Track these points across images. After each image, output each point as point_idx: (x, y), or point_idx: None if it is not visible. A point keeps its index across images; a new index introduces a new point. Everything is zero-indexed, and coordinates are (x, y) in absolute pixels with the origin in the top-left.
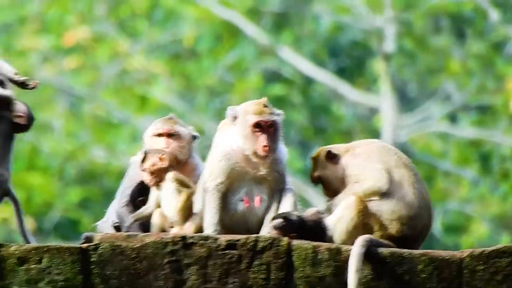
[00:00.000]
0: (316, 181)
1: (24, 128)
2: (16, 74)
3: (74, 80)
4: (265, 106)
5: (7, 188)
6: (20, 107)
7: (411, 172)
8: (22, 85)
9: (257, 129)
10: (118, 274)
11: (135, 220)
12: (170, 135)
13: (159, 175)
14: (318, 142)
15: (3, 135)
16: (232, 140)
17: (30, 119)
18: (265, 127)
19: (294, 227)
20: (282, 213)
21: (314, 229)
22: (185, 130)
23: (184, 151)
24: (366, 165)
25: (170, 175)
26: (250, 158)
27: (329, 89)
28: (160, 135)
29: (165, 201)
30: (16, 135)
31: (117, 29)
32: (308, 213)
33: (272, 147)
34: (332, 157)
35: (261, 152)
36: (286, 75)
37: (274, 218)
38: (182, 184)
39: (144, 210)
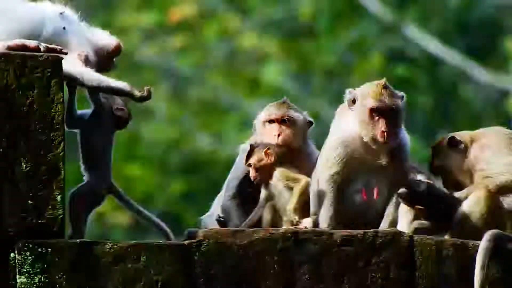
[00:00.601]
0: (437, 171)
1: (125, 122)
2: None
3: (179, 60)
4: (385, 88)
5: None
6: (118, 100)
7: None
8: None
9: (376, 114)
10: (223, 274)
11: (247, 227)
12: (283, 121)
13: (265, 172)
14: (445, 128)
15: (106, 130)
16: (350, 126)
17: (130, 113)
18: (385, 112)
19: (420, 197)
20: (409, 180)
21: (443, 207)
22: (300, 115)
23: (298, 139)
24: (497, 158)
25: (277, 173)
26: (369, 146)
27: (458, 70)
28: (272, 121)
29: (277, 201)
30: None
31: (227, 5)
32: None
33: (392, 133)
34: (456, 145)
35: (380, 138)
36: (411, 55)
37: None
38: (291, 179)
39: (254, 215)
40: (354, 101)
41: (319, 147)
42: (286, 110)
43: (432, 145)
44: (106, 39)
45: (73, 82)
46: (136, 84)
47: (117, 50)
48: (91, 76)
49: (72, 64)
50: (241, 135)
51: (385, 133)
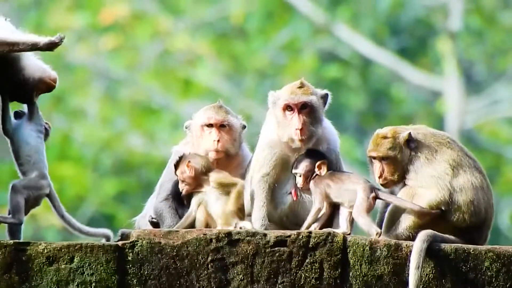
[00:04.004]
0: (381, 160)
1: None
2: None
3: (111, 61)
4: (300, 86)
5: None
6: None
7: (466, 160)
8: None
9: (288, 112)
10: (156, 274)
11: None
12: (222, 126)
13: (190, 183)
14: (377, 128)
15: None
16: (274, 127)
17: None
18: (297, 109)
19: None
20: None
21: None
22: (237, 120)
23: (236, 144)
24: (431, 169)
25: (212, 178)
26: (291, 146)
27: (389, 71)
28: (210, 125)
29: (212, 207)
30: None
31: (158, 6)
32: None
33: (307, 129)
34: (411, 142)
35: (294, 136)
36: (342, 55)
37: None
38: (226, 185)
39: (185, 220)
40: (275, 103)
41: (252, 148)
42: (225, 115)
43: (384, 134)
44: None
45: None
46: (68, 86)
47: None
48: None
49: None
50: (174, 136)
51: (299, 130)
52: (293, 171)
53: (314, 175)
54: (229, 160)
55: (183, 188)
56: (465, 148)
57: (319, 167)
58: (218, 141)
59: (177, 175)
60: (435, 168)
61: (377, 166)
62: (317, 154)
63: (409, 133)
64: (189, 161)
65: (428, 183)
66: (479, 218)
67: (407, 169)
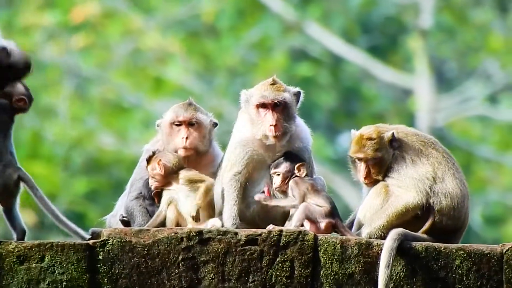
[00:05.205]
0: (366, 161)
1: (24, 110)
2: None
3: (82, 60)
4: (273, 83)
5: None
6: (19, 89)
7: (450, 162)
8: None
9: (262, 110)
10: (127, 273)
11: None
12: (191, 123)
13: (160, 180)
14: (348, 126)
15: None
16: (246, 126)
17: (30, 100)
18: (271, 106)
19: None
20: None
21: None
22: (206, 118)
23: (205, 142)
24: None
25: (181, 176)
26: (264, 144)
27: (360, 69)
28: (179, 123)
29: (182, 205)
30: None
31: (129, 4)
32: None
33: (281, 126)
34: (394, 141)
35: (268, 132)
36: (313, 53)
37: None
38: (195, 181)
39: (156, 218)
40: (248, 102)
41: (223, 147)
42: (194, 112)
43: (369, 135)
44: None
45: None
46: (39, 85)
47: None
48: None
49: None
50: (145, 135)
51: (273, 127)
52: (273, 170)
53: (293, 176)
54: (200, 158)
55: (152, 184)
56: (446, 149)
57: (299, 169)
58: (187, 138)
59: (148, 171)
60: (418, 170)
61: (362, 167)
62: (296, 156)
63: (393, 133)
64: (160, 159)
65: (408, 185)
66: (457, 222)
67: (390, 168)
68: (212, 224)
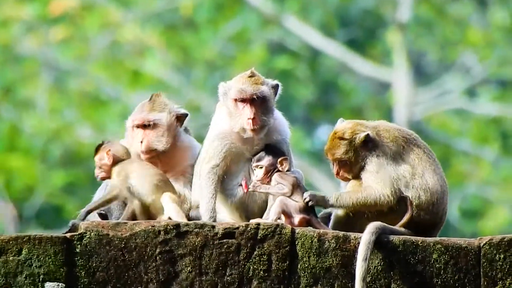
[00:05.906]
0: (335, 161)
1: None
2: None
3: (60, 52)
4: (250, 76)
5: None
6: None
7: (431, 158)
8: None
9: (240, 103)
10: (105, 266)
11: (88, 213)
12: (146, 126)
13: (106, 170)
14: (326, 119)
15: None
16: (224, 119)
17: None
18: (248, 100)
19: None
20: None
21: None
22: (163, 115)
23: (164, 140)
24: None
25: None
26: (242, 137)
27: (339, 62)
28: (138, 126)
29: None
30: None
31: None
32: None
33: (259, 119)
34: (369, 142)
35: (246, 125)
36: (291, 47)
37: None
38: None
39: (127, 210)
40: (226, 94)
41: (201, 139)
42: (146, 113)
43: (341, 135)
44: None
45: None
46: (16, 77)
47: None
48: None
49: None
50: (123, 127)
51: (251, 120)
52: (255, 163)
53: (275, 170)
54: (168, 155)
55: (98, 174)
56: (427, 145)
57: (281, 163)
58: (142, 142)
59: (95, 160)
60: (396, 168)
61: (333, 164)
62: (277, 150)
63: (367, 135)
64: (109, 149)
65: (385, 182)
66: (435, 218)
67: (364, 168)
68: (166, 217)
